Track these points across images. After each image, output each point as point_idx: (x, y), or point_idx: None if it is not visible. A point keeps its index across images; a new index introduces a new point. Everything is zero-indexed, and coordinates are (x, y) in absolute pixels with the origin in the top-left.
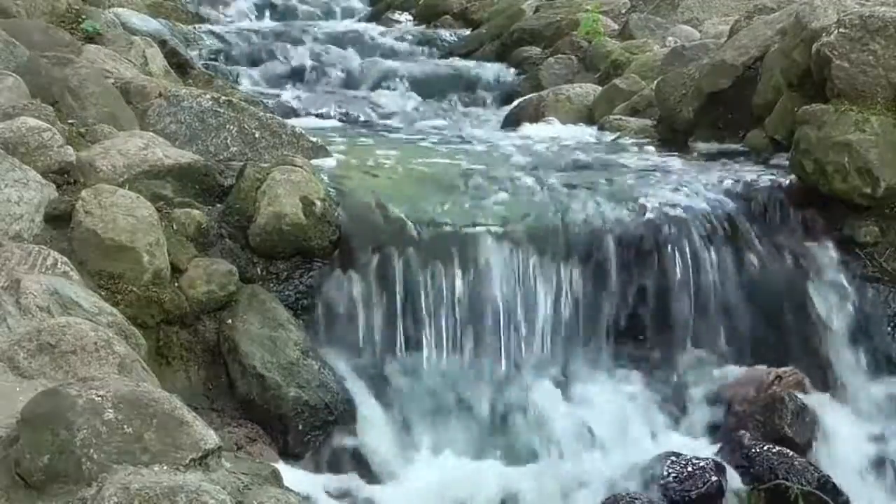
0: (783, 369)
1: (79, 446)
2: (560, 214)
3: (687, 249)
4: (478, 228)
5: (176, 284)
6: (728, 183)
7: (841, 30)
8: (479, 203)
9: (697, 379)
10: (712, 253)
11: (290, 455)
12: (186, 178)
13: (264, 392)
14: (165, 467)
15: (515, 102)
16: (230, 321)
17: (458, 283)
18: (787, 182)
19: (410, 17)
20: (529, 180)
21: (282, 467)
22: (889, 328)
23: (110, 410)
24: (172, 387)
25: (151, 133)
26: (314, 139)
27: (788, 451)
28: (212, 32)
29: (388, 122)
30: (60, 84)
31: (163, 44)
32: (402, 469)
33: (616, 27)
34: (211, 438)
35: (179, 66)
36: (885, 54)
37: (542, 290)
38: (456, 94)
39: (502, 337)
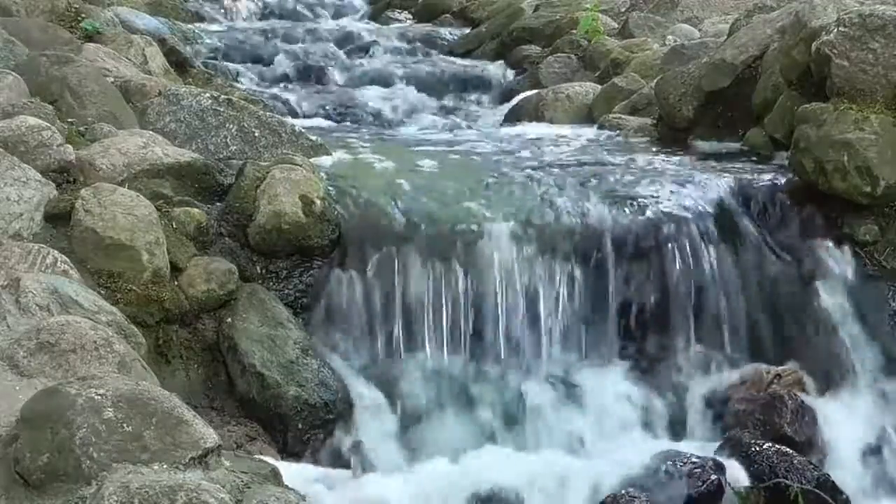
0: (783, 368)
1: (78, 445)
2: (560, 213)
3: (687, 248)
4: (477, 227)
5: (175, 283)
6: (728, 182)
7: (840, 28)
8: (478, 201)
9: (697, 377)
10: (712, 251)
11: (290, 454)
12: (186, 177)
13: (264, 391)
14: (165, 466)
15: (515, 101)
16: (230, 320)
17: (458, 281)
18: (787, 181)
19: (410, 16)
20: (529, 179)
21: (281, 466)
22: (889, 326)
23: (110, 409)
24: (172, 385)
25: (151, 132)
26: (314, 138)
27: (788, 449)
28: (211, 31)
29: (388, 120)
30: (60, 83)
31: (162, 42)
32: (401, 467)
33: (615, 26)
34: (210, 437)
35: (179, 64)
36: (885, 53)
37: (542, 289)
38: (455, 92)
39: (502, 335)
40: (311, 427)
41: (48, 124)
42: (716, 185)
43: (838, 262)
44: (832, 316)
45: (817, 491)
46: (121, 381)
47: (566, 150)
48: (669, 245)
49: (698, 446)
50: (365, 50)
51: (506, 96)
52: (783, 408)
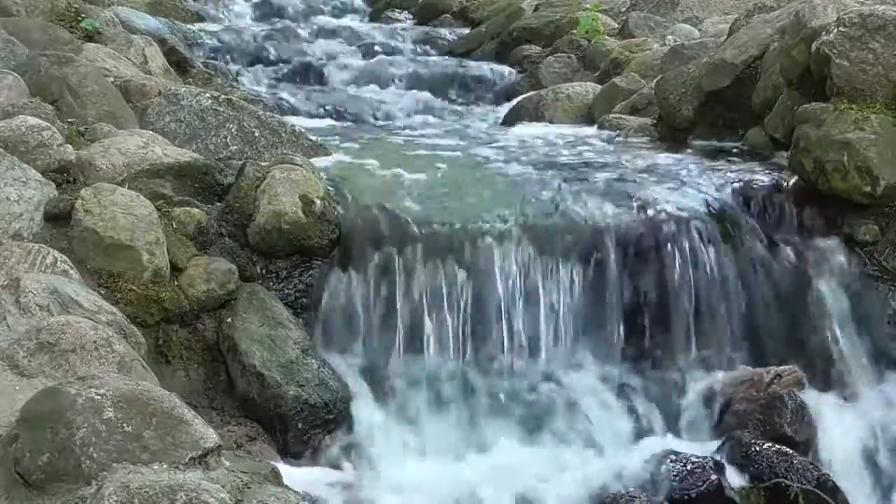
0: (783, 368)
1: (78, 445)
2: (560, 213)
3: (687, 248)
4: (478, 227)
5: (175, 283)
6: (728, 182)
7: (840, 28)
8: (478, 201)
9: (697, 377)
10: (712, 252)
11: (290, 454)
12: (186, 177)
13: (264, 391)
14: (165, 466)
15: (515, 101)
16: (230, 320)
17: (459, 281)
18: (787, 181)
19: (410, 16)
20: (529, 179)
21: (281, 466)
22: (889, 326)
23: (110, 409)
24: (172, 385)
25: (151, 132)
26: (313, 138)
27: (788, 449)
28: (211, 31)
29: (388, 120)
30: (60, 82)
31: (162, 42)
32: (401, 467)
33: (616, 26)
34: (210, 437)
35: (179, 64)
36: (885, 53)
37: (542, 290)
38: (455, 92)
39: (502, 336)
40: (311, 427)
41: (48, 124)
42: (716, 185)
43: (838, 262)
44: (832, 316)
45: (817, 491)
46: (121, 380)
47: (566, 150)
48: (669, 245)
49: (698, 446)
50: (365, 50)
51: (506, 96)
52: (783, 408)
